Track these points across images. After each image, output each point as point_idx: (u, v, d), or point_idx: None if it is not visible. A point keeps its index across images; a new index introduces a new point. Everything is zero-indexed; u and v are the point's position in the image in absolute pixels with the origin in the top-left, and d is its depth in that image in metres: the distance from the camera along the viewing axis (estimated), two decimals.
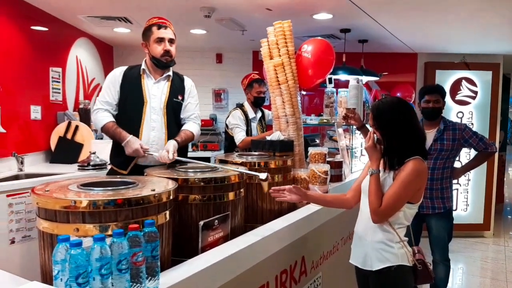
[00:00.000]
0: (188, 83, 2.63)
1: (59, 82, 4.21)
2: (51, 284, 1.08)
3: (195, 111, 2.61)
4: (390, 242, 1.82)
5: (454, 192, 5.27)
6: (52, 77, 4.10)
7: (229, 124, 3.78)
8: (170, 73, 2.54)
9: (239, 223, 1.95)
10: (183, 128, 2.54)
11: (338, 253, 2.63)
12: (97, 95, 4.98)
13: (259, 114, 3.93)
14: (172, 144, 2.31)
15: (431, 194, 3.03)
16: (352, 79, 3.76)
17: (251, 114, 3.84)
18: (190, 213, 1.75)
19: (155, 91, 2.49)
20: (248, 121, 3.80)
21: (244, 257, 1.60)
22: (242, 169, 1.96)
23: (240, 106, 3.91)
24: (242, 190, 1.93)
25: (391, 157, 1.83)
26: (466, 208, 5.41)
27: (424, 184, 1.85)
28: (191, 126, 2.55)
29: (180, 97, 2.55)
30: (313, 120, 3.80)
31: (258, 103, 3.86)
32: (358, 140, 3.94)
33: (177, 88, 2.55)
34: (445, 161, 3.03)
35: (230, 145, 3.80)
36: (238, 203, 1.91)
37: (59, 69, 4.22)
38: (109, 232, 1.26)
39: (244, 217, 2.06)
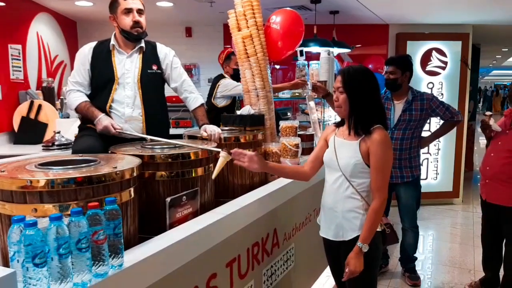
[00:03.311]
0: (162, 50, 2.49)
1: (19, 59, 4.01)
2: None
3: (183, 75, 2.51)
4: (360, 210, 1.84)
5: (425, 162, 5.40)
6: (12, 55, 3.89)
7: (227, 87, 3.71)
8: (142, 44, 2.40)
9: (210, 199, 1.93)
10: (193, 107, 2.50)
11: (310, 224, 2.66)
12: (62, 73, 4.86)
13: None
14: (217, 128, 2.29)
15: (400, 164, 3.08)
16: (323, 51, 3.74)
17: None
18: (157, 190, 1.72)
19: (129, 65, 2.35)
20: None
21: (213, 232, 1.59)
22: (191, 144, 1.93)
23: (222, 76, 3.83)
24: (211, 165, 1.90)
25: (355, 122, 1.85)
26: (436, 177, 5.57)
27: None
28: (198, 100, 2.51)
29: (155, 67, 2.41)
30: (285, 94, 3.78)
31: (239, 75, 3.81)
32: (331, 113, 3.95)
33: (150, 59, 2.41)
34: (413, 131, 3.08)
35: None
36: (207, 178, 1.88)
37: (19, 46, 4.01)
38: (69, 212, 1.21)
39: (215, 193, 2.04)
